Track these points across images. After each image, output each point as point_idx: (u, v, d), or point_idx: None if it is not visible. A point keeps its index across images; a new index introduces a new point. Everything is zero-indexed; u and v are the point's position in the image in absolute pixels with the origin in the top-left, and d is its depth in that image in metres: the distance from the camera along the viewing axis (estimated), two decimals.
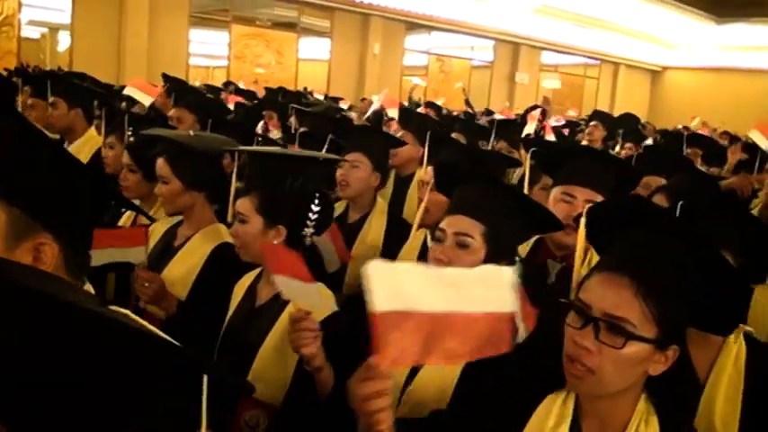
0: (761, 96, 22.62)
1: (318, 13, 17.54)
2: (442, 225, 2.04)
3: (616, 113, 21.14)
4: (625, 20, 22.01)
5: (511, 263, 1.78)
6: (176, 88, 7.71)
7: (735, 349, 1.93)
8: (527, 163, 3.23)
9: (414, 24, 18.93)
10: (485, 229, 1.97)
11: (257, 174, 2.33)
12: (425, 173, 3.31)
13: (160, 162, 2.70)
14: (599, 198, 2.43)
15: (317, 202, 2.23)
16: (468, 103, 13.43)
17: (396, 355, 1.22)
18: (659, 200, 3.16)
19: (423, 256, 2.77)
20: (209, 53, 16.60)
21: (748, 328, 1.97)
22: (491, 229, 1.98)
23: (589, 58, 24.22)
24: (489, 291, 1.35)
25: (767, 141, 4.23)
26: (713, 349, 1.95)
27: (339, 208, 3.39)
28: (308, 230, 2.24)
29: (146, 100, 5.69)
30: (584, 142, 7.39)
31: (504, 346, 1.36)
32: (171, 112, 5.02)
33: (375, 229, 3.36)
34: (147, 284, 2.42)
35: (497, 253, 1.95)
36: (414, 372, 1.90)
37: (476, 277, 1.36)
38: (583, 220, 1.88)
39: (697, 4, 22.18)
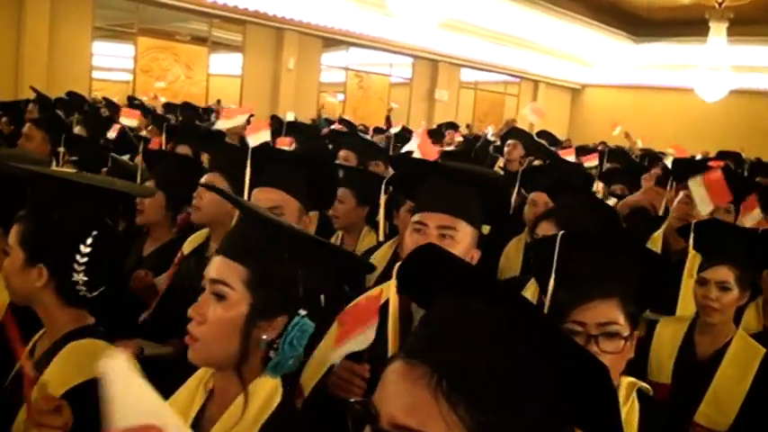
0: (677, 113, 23.06)
1: (230, 26, 17.04)
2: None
3: (536, 130, 21.27)
4: (544, 38, 22.04)
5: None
6: (40, 103, 7.25)
7: (626, 409, 1.76)
8: None
9: (330, 40, 18.57)
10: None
11: (30, 198, 1.93)
12: None
13: None
14: (461, 225, 2.06)
15: (90, 241, 1.80)
16: (388, 119, 13.18)
17: None
18: (546, 227, 2.86)
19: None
20: (114, 66, 15.91)
21: (642, 384, 1.82)
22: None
23: (509, 75, 24.23)
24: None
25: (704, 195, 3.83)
26: None
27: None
28: (79, 277, 1.79)
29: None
30: (501, 162, 7.13)
31: None
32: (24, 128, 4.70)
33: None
34: None
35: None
36: None
37: None
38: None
39: (616, 24, 22.42)
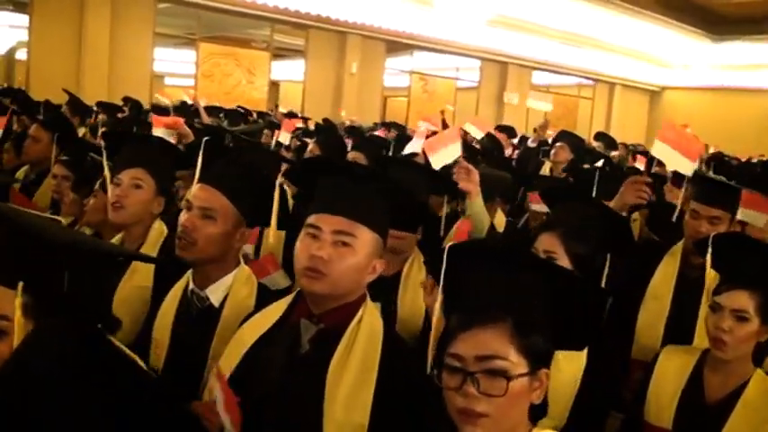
0: (759, 116, 21.95)
1: (293, 31, 16.93)
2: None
3: (613, 134, 20.62)
4: (619, 39, 21.29)
5: None
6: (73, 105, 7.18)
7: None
8: None
9: (394, 44, 18.28)
10: None
11: None
12: None
13: None
14: (360, 231, 1.85)
15: None
16: (444, 124, 12.83)
17: None
18: (548, 241, 2.49)
19: None
20: (176, 72, 16.02)
21: None
22: None
23: (583, 77, 23.48)
24: None
25: (672, 155, 3.29)
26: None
27: None
28: None
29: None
30: (549, 165, 6.91)
31: None
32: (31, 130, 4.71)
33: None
34: None
35: None
36: None
37: None
38: None
39: (692, 22, 21.48)
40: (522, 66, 21.27)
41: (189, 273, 2.29)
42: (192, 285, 2.25)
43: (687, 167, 3.18)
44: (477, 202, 3.10)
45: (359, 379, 1.80)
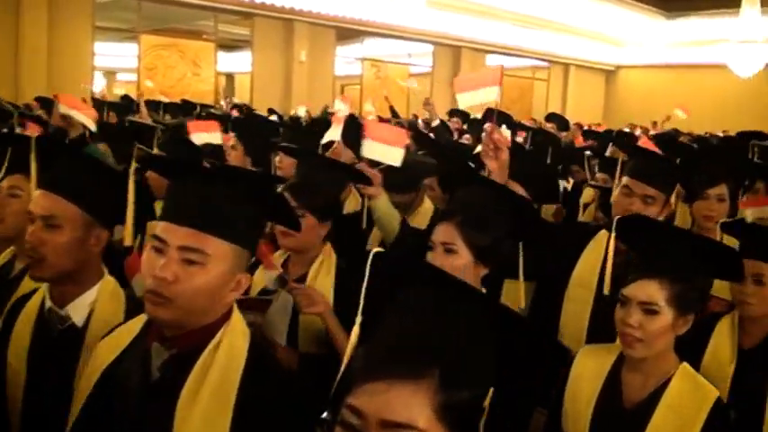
0: (717, 92, 21.97)
1: (239, 20, 16.52)
2: None
3: (569, 115, 20.58)
4: (572, 19, 21.18)
5: None
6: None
7: None
8: None
9: (344, 30, 17.94)
10: None
11: None
12: None
13: None
14: (213, 244, 1.56)
15: None
16: (392, 110, 12.57)
17: None
18: (446, 232, 2.21)
19: None
20: (118, 66, 15.56)
21: None
22: None
23: (537, 59, 23.34)
24: None
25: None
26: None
27: None
28: None
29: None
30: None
31: None
32: None
33: None
34: None
35: None
36: None
37: None
38: None
39: None
40: (476, 49, 21.01)
41: (44, 288, 1.97)
42: (49, 303, 1.94)
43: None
44: (381, 203, 2.83)
45: (213, 410, 1.51)
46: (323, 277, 2.51)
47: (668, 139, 7.54)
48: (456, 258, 2.09)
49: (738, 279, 2.26)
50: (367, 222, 3.08)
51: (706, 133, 12.97)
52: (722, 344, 2.53)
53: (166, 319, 1.54)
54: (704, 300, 2.11)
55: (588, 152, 6.16)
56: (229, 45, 17.32)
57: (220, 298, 1.58)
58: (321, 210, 2.59)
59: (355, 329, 1.17)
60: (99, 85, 14.18)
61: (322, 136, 4.23)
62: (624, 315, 1.97)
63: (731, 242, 2.67)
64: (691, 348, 2.52)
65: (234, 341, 1.60)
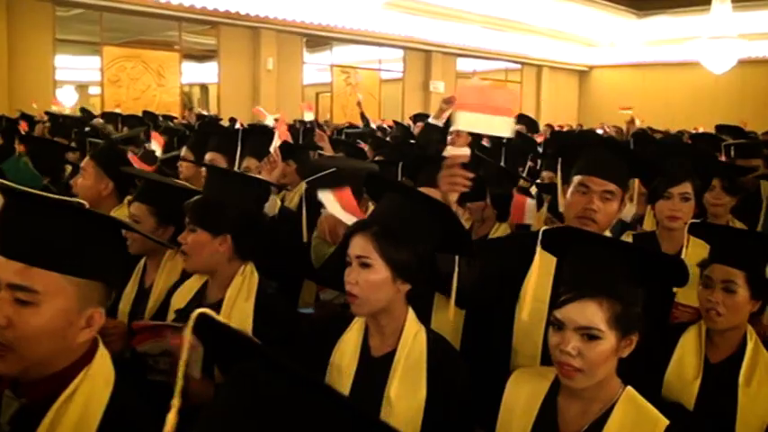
0: (689, 89, 21.97)
1: (204, 30, 16.22)
2: None
3: (542, 117, 20.40)
4: (543, 20, 21.06)
5: None
6: None
7: None
8: None
9: (312, 37, 17.68)
10: None
11: None
12: None
13: None
14: (45, 278, 1.34)
15: None
16: (363, 116, 12.35)
17: None
18: (361, 245, 2.00)
19: None
20: (80, 79, 15.21)
21: None
22: None
23: (509, 61, 23.22)
24: None
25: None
26: None
27: None
28: None
29: None
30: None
31: None
32: None
33: None
34: None
35: None
36: None
37: None
38: None
39: None
40: (446, 53, 20.86)
41: None
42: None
43: (506, 128, 2.41)
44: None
45: None
46: (241, 303, 2.22)
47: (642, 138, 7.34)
48: (371, 273, 1.86)
49: (682, 285, 1.98)
50: None
51: (679, 131, 12.81)
52: (687, 357, 2.32)
53: (10, 371, 1.31)
54: (645, 316, 1.83)
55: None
56: (196, 55, 16.98)
57: (69, 340, 1.35)
58: (216, 225, 2.26)
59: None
60: (72, 100, 13.81)
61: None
62: (560, 341, 1.70)
63: (700, 245, 2.50)
64: (651, 362, 2.30)
65: (92, 390, 1.36)
